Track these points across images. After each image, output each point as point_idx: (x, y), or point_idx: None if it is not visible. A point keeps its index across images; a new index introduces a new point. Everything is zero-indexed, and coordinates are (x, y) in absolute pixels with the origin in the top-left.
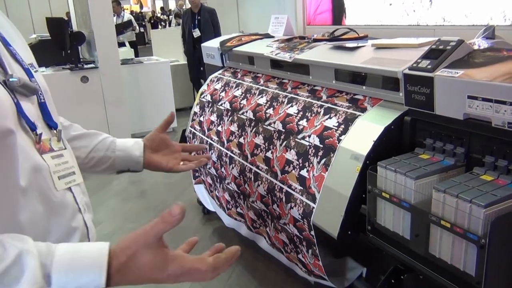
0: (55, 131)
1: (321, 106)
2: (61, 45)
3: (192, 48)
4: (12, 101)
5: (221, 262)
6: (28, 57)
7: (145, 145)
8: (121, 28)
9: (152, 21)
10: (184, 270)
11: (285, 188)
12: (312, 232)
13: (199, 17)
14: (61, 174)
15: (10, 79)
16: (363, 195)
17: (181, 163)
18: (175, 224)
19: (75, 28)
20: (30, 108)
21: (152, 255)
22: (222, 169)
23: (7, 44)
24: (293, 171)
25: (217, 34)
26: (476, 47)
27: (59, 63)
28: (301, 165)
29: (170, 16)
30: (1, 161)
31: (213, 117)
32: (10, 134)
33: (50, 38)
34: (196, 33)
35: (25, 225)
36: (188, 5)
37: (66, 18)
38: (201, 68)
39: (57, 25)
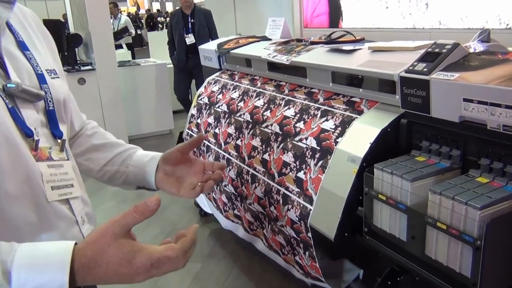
0: (59, 141)
1: (318, 109)
2: (58, 47)
3: (185, 57)
4: (6, 106)
5: (188, 243)
6: (50, 62)
7: (159, 164)
8: (117, 35)
9: (151, 23)
10: (153, 260)
11: (282, 190)
12: (309, 234)
13: (192, 20)
14: (55, 184)
15: (8, 85)
16: (360, 197)
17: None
18: (149, 215)
19: (72, 30)
20: (32, 114)
21: (119, 247)
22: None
23: (24, 49)
24: (290, 173)
25: (214, 39)
26: (471, 50)
27: None
28: (298, 167)
29: (168, 18)
30: None
31: (211, 119)
32: None
33: None
34: (190, 39)
35: (17, 234)
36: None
37: (63, 20)
38: (194, 81)
39: (54, 27)
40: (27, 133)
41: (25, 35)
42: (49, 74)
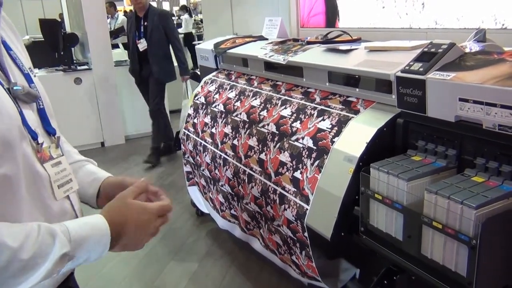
0: (53, 138)
1: (314, 108)
2: (54, 46)
3: (138, 65)
4: (17, 110)
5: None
6: (27, 61)
7: (101, 187)
8: (112, 35)
9: None
10: (158, 207)
11: (279, 190)
12: (306, 234)
13: (145, 23)
14: (60, 182)
15: (15, 88)
16: (356, 197)
17: None
18: (144, 189)
19: (68, 29)
20: (31, 116)
21: (134, 202)
22: (216, 171)
23: (8, 49)
24: (287, 172)
25: (174, 45)
26: (467, 50)
27: (52, 65)
28: (294, 167)
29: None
30: (6, 172)
31: (207, 119)
32: (15, 145)
33: (43, 39)
34: (142, 44)
35: None
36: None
37: (59, 20)
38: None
39: (50, 26)
40: (33, 136)
41: (4, 34)
42: (31, 72)
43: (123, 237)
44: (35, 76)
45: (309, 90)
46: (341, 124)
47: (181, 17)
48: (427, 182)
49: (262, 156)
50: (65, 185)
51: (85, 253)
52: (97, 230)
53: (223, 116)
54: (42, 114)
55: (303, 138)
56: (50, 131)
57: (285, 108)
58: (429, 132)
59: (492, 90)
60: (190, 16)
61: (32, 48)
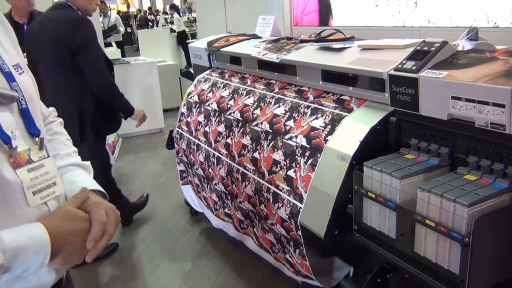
0: (37, 139)
1: (308, 107)
2: None
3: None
4: None
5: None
6: (14, 57)
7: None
8: (105, 33)
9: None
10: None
11: (273, 188)
12: (299, 232)
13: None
14: (37, 188)
15: None
16: (350, 195)
17: None
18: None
19: None
20: (8, 117)
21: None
22: (210, 170)
23: None
24: (280, 171)
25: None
26: (460, 48)
27: None
28: (288, 165)
29: (158, 16)
30: None
31: (201, 118)
32: None
33: None
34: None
35: None
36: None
37: None
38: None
39: None
40: (4, 140)
41: None
42: (16, 69)
43: (64, 248)
44: (21, 73)
45: (303, 88)
46: (335, 122)
47: (174, 16)
48: (420, 180)
49: (256, 154)
50: (45, 190)
51: (22, 264)
52: (34, 241)
53: (216, 114)
54: (24, 114)
55: (296, 137)
56: (32, 132)
57: (279, 106)
58: (422, 130)
59: (484, 88)
60: (179, 14)
61: None
